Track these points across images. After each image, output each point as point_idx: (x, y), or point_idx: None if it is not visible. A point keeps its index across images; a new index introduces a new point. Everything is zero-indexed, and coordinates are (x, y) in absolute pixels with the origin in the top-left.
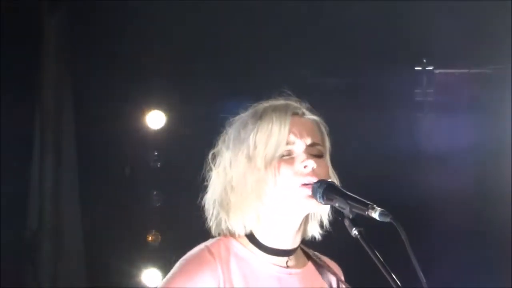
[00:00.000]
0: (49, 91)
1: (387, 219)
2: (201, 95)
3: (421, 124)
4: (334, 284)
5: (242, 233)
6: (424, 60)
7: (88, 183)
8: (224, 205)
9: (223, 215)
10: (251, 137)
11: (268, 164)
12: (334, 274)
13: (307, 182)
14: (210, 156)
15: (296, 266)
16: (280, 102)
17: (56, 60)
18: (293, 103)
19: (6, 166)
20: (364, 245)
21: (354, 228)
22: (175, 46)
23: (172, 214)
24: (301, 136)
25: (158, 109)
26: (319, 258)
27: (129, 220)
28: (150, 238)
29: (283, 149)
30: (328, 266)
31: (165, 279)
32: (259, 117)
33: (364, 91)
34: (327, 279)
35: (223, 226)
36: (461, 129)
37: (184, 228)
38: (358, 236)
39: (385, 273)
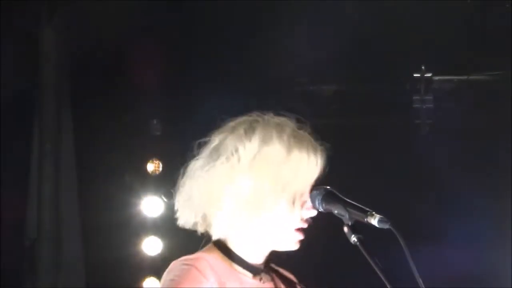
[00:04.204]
0: (48, 101)
1: (386, 226)
2: (199, 101)
3: (419, 131)
4: None
5: (216, 237)
6: (423, 67)
7: (87, 191)
8: (215, 204)
9: (210, 213)
10: (283, 165)
11: (293, 199)
12: (293, 281)
13: (303, 227)
14: (212, 146)
15: (266, 279)
16: (305, 135)
17: (55, 70)
18: (316, 143)
19: (5, 175)
20: (364, 252)
21: (353, 235)
22: (175, 54)
23: (173, 222)
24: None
25: (158, 118)
26: (276, 269)
27: (128, 228)
28: (149, 246)
29: (307, 191)
30: (285, 275)
31: None
32: (287, 143)
33: (362, 97)
34: (289, 286)
35: (200, 222)
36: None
37: (186, 236)
38: (358, 243)
39: (384, 280)
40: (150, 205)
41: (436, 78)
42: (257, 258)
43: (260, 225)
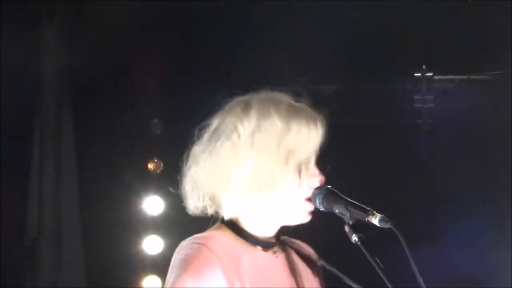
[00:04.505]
0: (49, 99)
1: (387, 225)
2: (199, 101)
3: (420, 131)
4: (314, 264)
5: (228, 217)
6: (424, 67)
7: (88, 191)
8: (222, 185)
9: (219, 195)
10: (284, 135)
11: (299, 169)
12: (310, 254)
13: (312, 196)
14: (212, 129)
15: (279, 251)
16: (303, 106)
17: (55, 66)
18: (315, 112)
19: (5, 174)
20: (364, 251)
21: (354, 234)
22: (175, 54)
23: (173, 221)
24: (317, 149)
25: (159, 117)
26: (292, 242)
27: (129, 227)
28: (150, 245)
29: (312, 158)
30: (302, 248)
31: (170, 281)
32: (286, 115)
33: (363, 98)
34: (306, 260)
35: (208, 203)
36: (460, 135)
37: (187, 234)
38: (358, 242)
39: (385, 279)
40: (151, 204)
41: (437, 77)
42: (268, 232)
43: (269, 199)
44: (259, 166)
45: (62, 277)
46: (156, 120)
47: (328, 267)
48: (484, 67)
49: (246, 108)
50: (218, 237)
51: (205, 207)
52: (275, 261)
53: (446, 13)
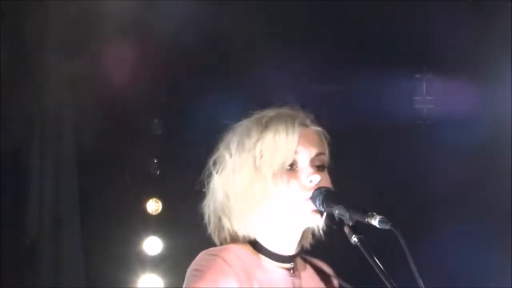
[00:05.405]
0: (49, 98)
1: (387, 226)
2: (200, 100)
3: (420, 132)
4: (332, 283)
5: (246, 240)
6: (424, 67)
7: (88, 191)
8: (225, 211)
9: (225, 222)
10: (257, 146)
11: (275, 175)
12: (329, 274)
13: (312, 197)
14: (211, 162)
15: (299, 269)
16: (286, 111)
17: (56, 65)
18: (299, 113)
19: (5, 174)
20: (364, 252)
21: (353, 236)
22: (175, 54)
23: (172, 223)
24: (307, 147)
25: (159, 116)
26: (312, 261)
27: (128, 228)
28: (150, 246)
29: (290, 160)
30: (321, 268)
31: None
32: (264, 125)
33: (363, 98)
34: (325, 279)
35: (226, 234)
36: (460, 135)
37: (186, 237)
38: (358, 243)
39: (385, 281)
40: (151, 205)
41: (437, 78)
42: (287, 249)
43: (265, 209)
44: (245, 180)
45: (62, 277)
46: (156, 121)
47: (345, 285)
48: (484, 67)
49: (233, 132)
50: (234, 249)
51: (226, 237)
52: (290, 277)
53: (446, 13)
